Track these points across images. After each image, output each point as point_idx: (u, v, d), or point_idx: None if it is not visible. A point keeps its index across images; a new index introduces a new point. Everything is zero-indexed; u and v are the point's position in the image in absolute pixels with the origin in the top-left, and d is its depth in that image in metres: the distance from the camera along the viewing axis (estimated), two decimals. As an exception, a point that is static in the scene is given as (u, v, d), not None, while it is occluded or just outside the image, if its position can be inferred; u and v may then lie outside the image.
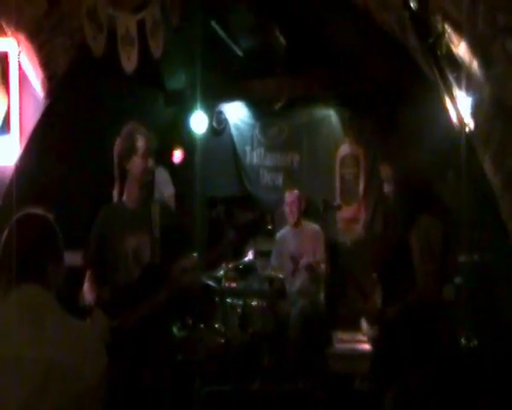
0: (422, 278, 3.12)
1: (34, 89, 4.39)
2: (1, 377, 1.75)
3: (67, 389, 1.75)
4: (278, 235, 6.38)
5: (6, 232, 1.91)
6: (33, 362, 1.75)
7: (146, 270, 3.31)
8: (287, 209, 6.19)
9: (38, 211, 1.99)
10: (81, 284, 3.53)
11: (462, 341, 4.26)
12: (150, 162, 3.41)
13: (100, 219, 3.61)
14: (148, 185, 3.48)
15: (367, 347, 5.12)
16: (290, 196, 6.20)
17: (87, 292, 3.45)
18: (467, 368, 3.90)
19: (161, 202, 3.52)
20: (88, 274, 3.51)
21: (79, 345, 1.83)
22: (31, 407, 1.73)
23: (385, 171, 3.44)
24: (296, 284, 6.04)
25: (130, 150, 3.41)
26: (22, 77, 4.28)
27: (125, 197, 3.50)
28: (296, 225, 6.19)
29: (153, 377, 3.27)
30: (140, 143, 3.39)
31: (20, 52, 4.20)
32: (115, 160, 3.48)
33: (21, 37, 4.12)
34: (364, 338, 5.34)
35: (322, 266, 6.02)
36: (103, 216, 3.63)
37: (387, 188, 3.45)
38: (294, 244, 6.17)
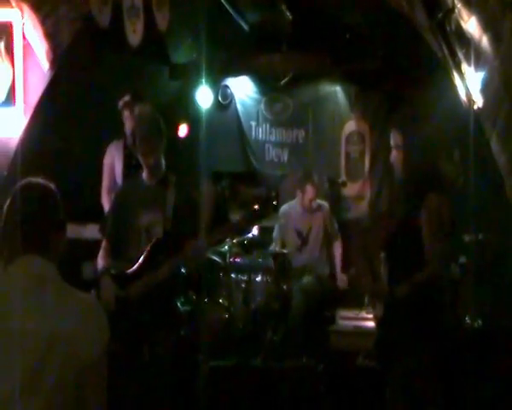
0: (434, 258, 3.09)
1: (39, 60, 4.36)
2: (3, 348, 1.75)
3: (69, 361, 1.75)
4: (282, 210, 6.33)
5: (8, 201, 1.89)
6: (35, 334, 1.74)
7: (154, 246, 3.33)
8: (306, 202, 6.05)
9: (40, 179, 1.96)
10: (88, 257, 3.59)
11: (467, 320, 4.25)
12: (152, 160, 3.41)
13: (119, 193, 3.71)
14: (154, 166, 3.47)
15: (370, 324, 5.13)
16: (312, 192, 6.00)
17: (100, 260, 3.52)
18: (471, 348, 3.90)
19: (177, 180, 3.52)
20: (103, 244, 3.57)
21: (81, 318, 1.81)
22: (33, 379, 1.72)
23: (395, 137, 3.33)
24: (302, 259, 6.02)
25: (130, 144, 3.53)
26: (27, 48, 4.25)
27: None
28: (310, 210, 6.14)
29: (156, 350, 3.29)
30: (136, 136, 3.43)
31: (24, 23, 4.17)
32: None
33: (26, 7, 4.08)
34: (367, 315, 5.35)
35: (337, 243, 6.14)
36: (123, 189, 3.74)
37: (395, 156, 3.34)
38: (303, 220, 6.13)
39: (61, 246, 1.94)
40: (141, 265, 3.34)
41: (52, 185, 1.96)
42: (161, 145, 3.47)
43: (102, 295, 3.30)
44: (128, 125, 3.47)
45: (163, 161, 3.51)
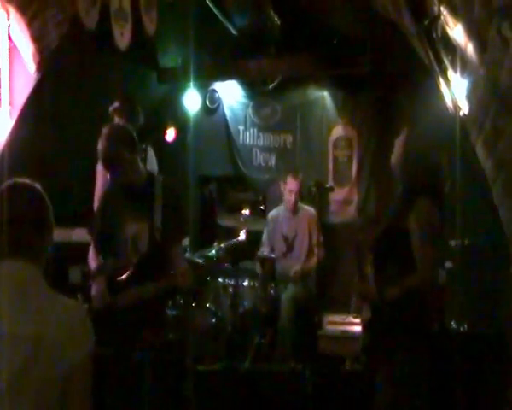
0: (423, 263, 3.09)
1: (25, 62, 4.33)
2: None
3: (53, 366, 1.73)
4: (270, 215, 6.35)
5: None
6: (19, 338, 1.72)
7: (141, 260, 3.33)
8: (287, 195, 6.06)
9: (27, 180, 1.92)
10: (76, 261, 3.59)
11: (453, 325, 4.27)
12: (127, 177, 3.40)
13: (106, 194, 3.70)
14: (132, 181, 3.44)
15: (357, 329, 5.14)
16: (292, 183, 6.02)
17: (91, 260, 3.53)
18: (457, 351, 3.92)
19: (164, 181, 3.49)
20: (93, 244, 3.58)
21: (66, 323, 1.79)
22: (17, 383, 1.71)
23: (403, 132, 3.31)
24: (288, 264, 6.03)
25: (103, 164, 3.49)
26: (13, 50, 4.23)
27: None
28: (293, 210, 6.13)
29: (142, 354, 3.28)
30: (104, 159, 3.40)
31: (10, 24, 4.14)
32: None
33: (11, 9, 4.05)
34: (354, 320, 5.36)
35: (317, 251, 5.99)
36: (110, 190, 3.69)
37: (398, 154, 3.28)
38: (289, 225, 6.14)
39: (47, 249, 1.91)
40: (128, 278, 3.33)
41: (39, 186, 1.93)
42: (134, 159, 3.42)
43: (95, 293, 3.30)
44: (98, 146, 3.45)
45: (145, 167, 3.48)
